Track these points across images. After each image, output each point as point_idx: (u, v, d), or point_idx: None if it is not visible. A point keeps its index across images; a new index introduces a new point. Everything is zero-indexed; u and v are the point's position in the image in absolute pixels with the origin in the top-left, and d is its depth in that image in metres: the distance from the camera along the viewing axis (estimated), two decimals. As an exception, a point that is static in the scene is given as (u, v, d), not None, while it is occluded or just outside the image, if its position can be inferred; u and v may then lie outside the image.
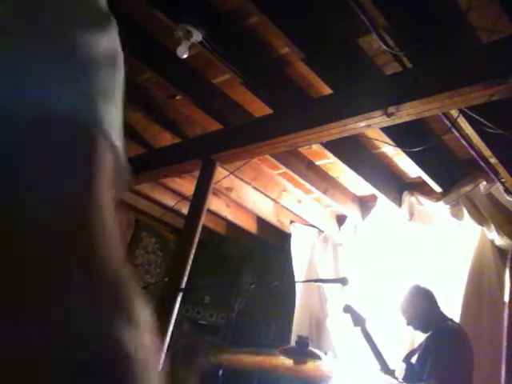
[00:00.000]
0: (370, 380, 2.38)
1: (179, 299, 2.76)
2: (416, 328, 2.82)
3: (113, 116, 0.33)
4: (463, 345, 2.60)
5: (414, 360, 2.71)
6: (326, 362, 2.14)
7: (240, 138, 3.01)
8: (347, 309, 2.82)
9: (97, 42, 0.32)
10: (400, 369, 2.72)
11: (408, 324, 2.84)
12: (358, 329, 2.76)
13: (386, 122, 2.38)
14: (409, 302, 2.84)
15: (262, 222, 4.83)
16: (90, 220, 0.28)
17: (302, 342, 2.10)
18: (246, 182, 4.10)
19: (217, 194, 4.39)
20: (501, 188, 3.10)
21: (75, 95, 0.29)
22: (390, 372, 2.60)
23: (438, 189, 3.31)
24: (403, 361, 2.75)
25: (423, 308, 2.79)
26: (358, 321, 2.76)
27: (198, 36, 2.32)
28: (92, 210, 0.28)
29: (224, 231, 5.26)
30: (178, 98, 3.23)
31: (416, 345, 3.00)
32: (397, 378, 2.58)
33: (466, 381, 2.52)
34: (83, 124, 0.29)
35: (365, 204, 4.16)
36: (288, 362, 2.02)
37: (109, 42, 0.34)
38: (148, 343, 0.28)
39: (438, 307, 2.83)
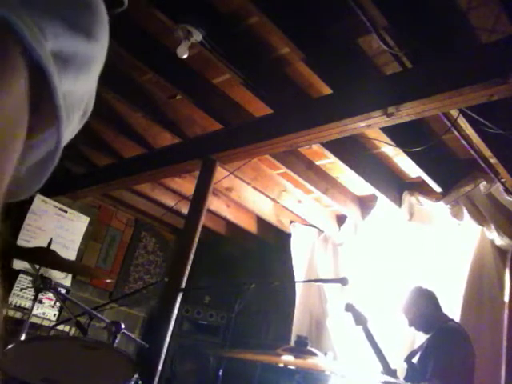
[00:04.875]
0: (370, 380, 2.38)
1: (179, 299, 2.76)
2: (418, 329, 2.83)
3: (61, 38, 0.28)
4: (465, 345, 2.61)
5: (415, 360, 2.71)
6: (326, 361, 2.14)
7: (240, 138, 3.01)
8: (349, 308, 2.83)
9: None
10: (401, 369, 2.73)
11: (410, 325, 2.84)
12: (360, 328, 2.76)
13: (386, 122, 2.38)
14: (411, 303, 2.84)
15: (262, 222, 4.83)
16: None
17: (302, 341, 2.10)
18: (245, 182, 4.10)
19: (217, 194, 4.39)
20: (501, 188, 3.10)
21: None
22: (392, 372, 2.61)
23: (437, 189, 3.31)
24: (405, 361, 2.75)
25: (425, 309, 2.79)
26: (359, 320, 2.76)
27: (198, 36, 2.32)
28: None
29: (224, 231, 5.26)
30: (178, 97, 3.24)
31: (417, 345, 3.00)
32: (398, 378, 2.59)
33: (468, 380, 2.52)
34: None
35: (365, 204, 4.16)
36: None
37: None
38: None
39: (440, 308, 2.84)
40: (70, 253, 4.64)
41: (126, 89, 3.22)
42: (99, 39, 0.31)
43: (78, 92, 0.31)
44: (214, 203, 4.47)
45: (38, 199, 4.52)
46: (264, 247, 5.19)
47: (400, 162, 3.46)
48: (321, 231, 4.70)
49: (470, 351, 2.59)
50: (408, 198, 3.64)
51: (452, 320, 2.80)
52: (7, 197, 0.28)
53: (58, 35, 0.27)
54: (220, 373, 2.29)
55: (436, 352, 2.56)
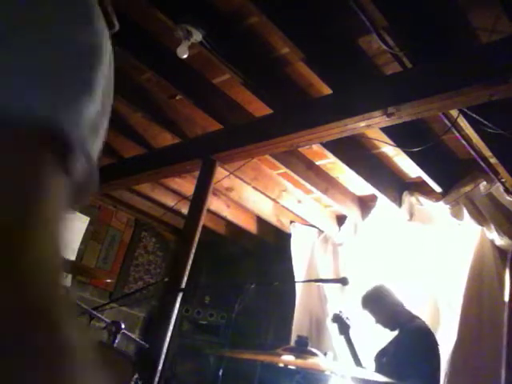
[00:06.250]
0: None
1: (179, 299, 2.76)
2: (385, 326, 2.90)
3: (91, 115, 0.31)
4: (434, 344, 2.73)
5: (385, 358, 2.78)
6: (326, 361, 2.15)
7: (240, 138, 3.01)
8: (336, 319, 2.95)
9: (75, 36, 0.30)
10: (371, 366, 2.86)
11: (376, 322, 2.91)
12: (342, 337, 2.95)
13: (386, 122, 2.38)
14: (373, 301, 2.94)
15: (262, 222, 4.83)
16: (23, 237, 0.25)
17: (302, 341, 2.11)
18: (246, 182, 4.10)
19: (217, 194, 4.39)
20: (501, 188, 3.10)
21: (37, 95, 0.28)
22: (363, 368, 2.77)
23: (438, 189, 3.31)
24: (374, 359, 2.83)
25: (384, 307, 2.90)
26: (342, 329, 2.90)
27: (198, 36, 2.32)
28: (30, 227, 0.26)
29: (224, 231, 5.26)
30: (178, 98, 3.24)
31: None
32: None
33: (438, 378, 2.65)
34: (36, 125, 0.27)
35: (365, 204, 4.16)
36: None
37: (91, 35, 0.31)
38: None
39: (401, 305, 2.93)
40: (69, 253, 4.64)
41: (126, 89, 3.22)
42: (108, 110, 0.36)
43: (98, 147, 0.36)
44: (214, 203, 4.47)
45: (38, 199, 4.51)
46: (264, 247, 5.19)
47: (400, 162, 3.45)
48: (321, 231, 4.69)
49: (437, 346, 2.73)
50: (408, 198, 3.64)
51: (417, 317, 2.88)
52: None
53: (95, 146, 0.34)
54: (220, 373, 2.29)
55: (408, 352, 2.63)
